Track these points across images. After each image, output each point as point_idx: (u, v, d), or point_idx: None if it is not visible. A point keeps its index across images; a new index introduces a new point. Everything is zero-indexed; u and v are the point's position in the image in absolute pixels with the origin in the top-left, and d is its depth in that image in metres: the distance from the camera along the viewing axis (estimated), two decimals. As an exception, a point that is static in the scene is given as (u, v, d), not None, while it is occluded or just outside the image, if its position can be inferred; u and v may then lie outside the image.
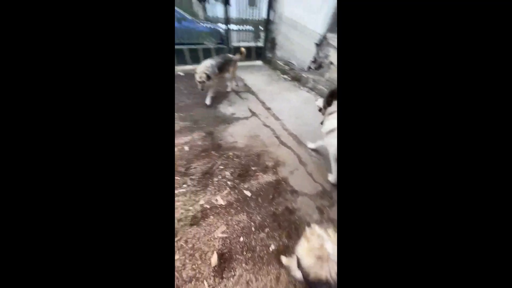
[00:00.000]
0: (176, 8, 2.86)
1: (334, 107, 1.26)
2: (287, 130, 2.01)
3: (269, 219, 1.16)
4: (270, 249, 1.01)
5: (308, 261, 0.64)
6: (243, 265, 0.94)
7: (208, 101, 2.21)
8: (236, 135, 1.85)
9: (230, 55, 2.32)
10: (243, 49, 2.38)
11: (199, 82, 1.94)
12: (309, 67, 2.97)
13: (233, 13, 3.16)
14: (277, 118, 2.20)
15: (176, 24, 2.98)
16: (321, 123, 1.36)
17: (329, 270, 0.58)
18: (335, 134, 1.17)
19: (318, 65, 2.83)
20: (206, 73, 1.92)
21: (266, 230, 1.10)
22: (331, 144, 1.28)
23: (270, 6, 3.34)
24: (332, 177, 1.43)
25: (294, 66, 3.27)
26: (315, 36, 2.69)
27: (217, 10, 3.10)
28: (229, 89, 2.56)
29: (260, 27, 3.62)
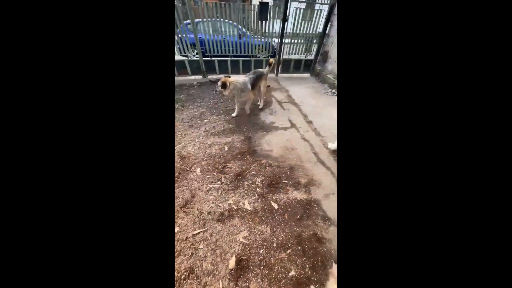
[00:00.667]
0: (239, 26, 3.29)
1: None
2: (328, 149, 1.85)
3: (293, 240, 1.08)
4: (290, 274, 0.93)
5: None
6: (259, 280, 0.90)
7: (248, 110, 2.32)
8: (272, 144, 1.87)
9: (261, 69, 2.31)
10: (272, 60, 2.38)
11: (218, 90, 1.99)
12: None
13: (289, 27, 3.31)
14: (318, 134, 2.07)
15: (236, 39, 3.42)
16: None
17: None
18: None
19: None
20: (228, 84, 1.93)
21: (288, 251, 1.02)
22: None
23: (328, 19, 3.29)
24: None
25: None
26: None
27: (276, 26, 3.34)
28: (261, 106, 2.50)
29: (314, 41, 3.60)
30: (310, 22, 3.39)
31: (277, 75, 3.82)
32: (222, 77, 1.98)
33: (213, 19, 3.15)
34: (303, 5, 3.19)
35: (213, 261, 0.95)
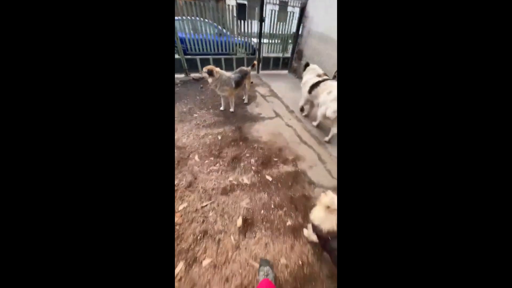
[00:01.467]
0: (217, 25, 3.42)
1: (306, 75, 2.28)
2: (309, 132, 2.16)
3: (287, 201, 1.31)
4: (287, 224, 1.16)
5: (319, 217, 0.79)
6: (263, 231, 1.11)
7: (232, 108, 2.42)
8: (261, 131, 2.08)
9: (245, 68, 2.44)
10: (255, 62, 2.60)
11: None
12: (334, 76, 3.09)
13: (266, 28, 3.59)
14: (299, 121, 2.37)
15: (216, 38, 3.54)
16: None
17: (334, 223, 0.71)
18: (308, 86, 2.11)
19: (343, 74, 2.92)
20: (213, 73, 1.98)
21: (284, 209, 1.25)
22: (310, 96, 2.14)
23: (300, 22, 3.67)
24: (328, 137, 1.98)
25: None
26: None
27: (254, 26, 3.57)
28: (246, 101, 2.69)
29: (290, 41, 3.96)
30: (284, 23, 3.72)
31: (258, 72, 4.06)
32: (205, 74, 2.00)
33: (192, 17, 3.21)
34: (277, 7, 3.50)
35: (223, 223, 1.12)
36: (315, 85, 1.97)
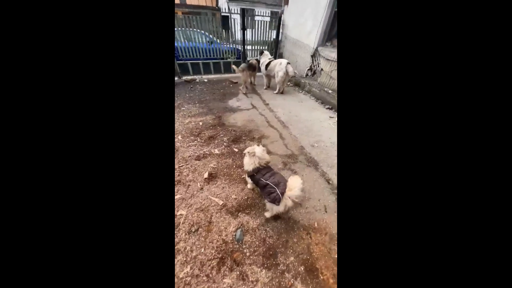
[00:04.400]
0: (208, 34, 3.95)
1: (262, 59, 3.36)
2: (278, 118, 2.55)
3: (247, 164, 1.68)
4: (242, 177, 1.52)
5: (245, 162, 1.16)
6: (223, 181, 1.47)
7: (244, 90, 3.45)
8: (237, 119, 2.48)
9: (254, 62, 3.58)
10: (255, 61, 3.43)
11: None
12: (307, 74, 3.55)
13: (249, 36, 4.11)
14: (271, 111, 2.77)
15: (207, 45, 4.06)
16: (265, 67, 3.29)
17: (256, 162, 1.09)
18: (264, 65, 3.30)
19: (313, 72, 3.38)
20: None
21: (242, 168, 1.62)
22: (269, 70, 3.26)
23: (279, 30, 4.19)
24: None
25: (296, 74, 3.89)
26: (310, 50, 3.31)
27: (239, 35, 4.12)
28: (244, 91, 3.53)
29: (266, 47, 4.53)
30: (265, 31, 4.26)
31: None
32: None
33: (183, 28, 3.73)
34: (259, 18, 4.04)
35: (193, 176, 1.49)
36: (268, 64, 3.17)
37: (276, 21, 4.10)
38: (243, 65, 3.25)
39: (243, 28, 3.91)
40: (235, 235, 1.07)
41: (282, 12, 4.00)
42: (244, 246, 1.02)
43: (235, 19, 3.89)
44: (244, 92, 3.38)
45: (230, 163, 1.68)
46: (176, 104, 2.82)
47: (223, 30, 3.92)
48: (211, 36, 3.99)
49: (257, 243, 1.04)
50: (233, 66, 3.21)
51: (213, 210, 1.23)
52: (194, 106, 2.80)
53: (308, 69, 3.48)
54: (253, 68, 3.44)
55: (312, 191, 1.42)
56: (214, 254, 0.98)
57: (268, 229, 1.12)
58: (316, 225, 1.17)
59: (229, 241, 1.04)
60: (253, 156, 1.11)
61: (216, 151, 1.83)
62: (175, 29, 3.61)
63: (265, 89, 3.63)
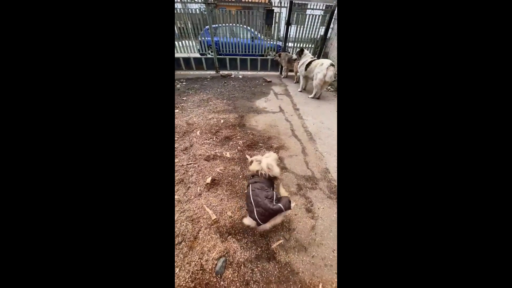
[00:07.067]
0: (252, 29, 3.88)
1: (302, 59, 3.15)
2: (305, 128, 2.21)
3: (255, 176, 1.48)
4: (245, 191, 1.34)
5: (252, 168, 1.03)
6: (224, 191, 1.34)
7: (283, 74, 4.03)
8: (259, 121, 2.30)
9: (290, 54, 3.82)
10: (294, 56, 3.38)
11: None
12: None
13: (293, 32, 3.77)
14: (300, 117, 2.43)
15: (250, 41, 4.01)
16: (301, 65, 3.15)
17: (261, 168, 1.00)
18: (304, 65, 3.06)
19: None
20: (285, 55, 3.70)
21: (247, 179, 1.43)
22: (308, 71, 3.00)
23: (329, 25, 3.64)
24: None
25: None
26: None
27: (282, 31, 3.85)
28: (284, 74, 4.06)
29: (311, 45, 4.04)
30: (311, 27, 3.79)
31: (281, 73, 4.25)
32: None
33: (231, 24, 3.76)
34: (310, 11, 3.63)
35: (196, 177, 1.42)
36: (309, 64, 2.94)
37: (328, 15, 3.56)
38: (284, 53, 3.47)
39: (288, 23, 3.59)
40: (216, 264, 0.91)
41: (336, 6, 3.42)
42: (221, 283, 0.85)
43: (280, 13, 3.62)
44: (284, 76, 3.89)
45: (237, 171, 1.52)
46: (206, 98, 2.88)
47: (266, 25, 3.72)
48: (255, 32, 3.90)
49: (237, 284, 0.85)
50: (273, 53, 3.31)
51: (203, 223, 1.11)
52: (222, 102, 2.78)
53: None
54: (290, 61, 3.59)
55: (326, 235, 1.09)
56: (187, 280, 0.86)
57: (256, 270, 0.91)
58: (320, 287, 0.87)
59: (208, 269, 0.90)
60: (259, 164, 1.03)
61: (228, 154, 1.71)
62: (225, 24, 3.71)
63: (300, 91, 3.31)
